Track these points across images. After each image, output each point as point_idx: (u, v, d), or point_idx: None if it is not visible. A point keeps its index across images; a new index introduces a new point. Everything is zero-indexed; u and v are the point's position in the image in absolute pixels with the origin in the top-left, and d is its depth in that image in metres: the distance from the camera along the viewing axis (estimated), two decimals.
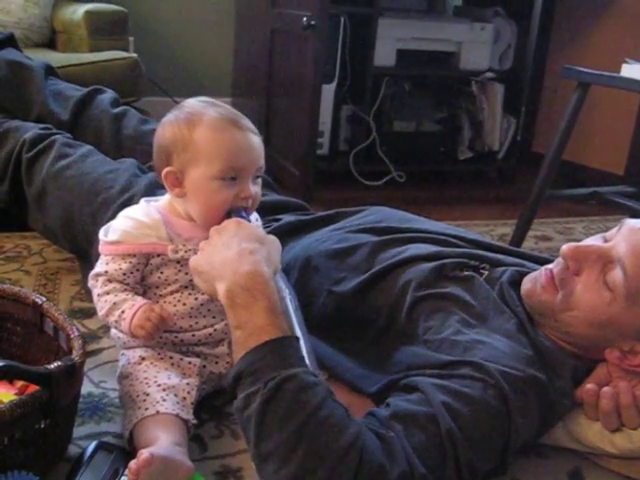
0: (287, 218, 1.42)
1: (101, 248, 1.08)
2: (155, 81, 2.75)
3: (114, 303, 1.05)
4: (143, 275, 1.08)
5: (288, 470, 0.80)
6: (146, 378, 1.03)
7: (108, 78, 2.09)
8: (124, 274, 1.06)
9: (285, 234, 1.35)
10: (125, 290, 1.06)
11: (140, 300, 1.06)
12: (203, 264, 0.97)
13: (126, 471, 0.85)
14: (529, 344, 1.02)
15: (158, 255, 1.07)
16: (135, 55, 2.28)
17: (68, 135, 1.61)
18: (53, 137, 1.56)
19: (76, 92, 1.79)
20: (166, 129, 1.06)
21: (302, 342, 0.91)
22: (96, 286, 1.07)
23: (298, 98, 2.44)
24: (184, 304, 1.09)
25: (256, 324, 0.87)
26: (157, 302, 1.09)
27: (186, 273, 1.06)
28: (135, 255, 1.06)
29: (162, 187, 1.39)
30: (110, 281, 1.06)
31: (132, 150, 1.65)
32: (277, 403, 0.82)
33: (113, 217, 1.32)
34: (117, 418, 1.08)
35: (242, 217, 1.03)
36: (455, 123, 2.87)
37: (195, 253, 1.03)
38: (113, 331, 1.14)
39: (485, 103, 2.88)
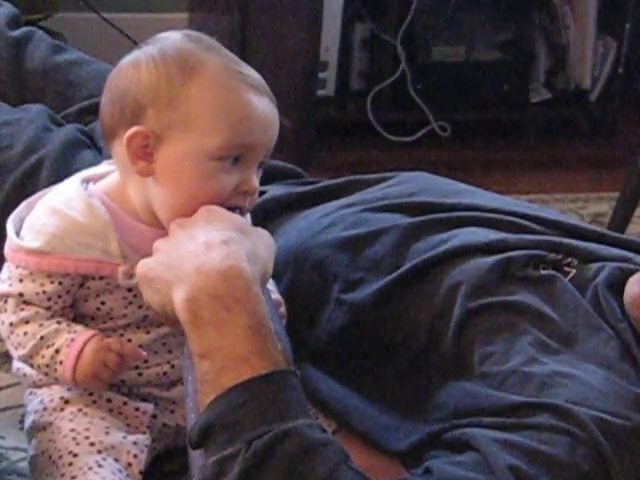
0: (273, 191, 1.42)
1: (12, 254, 1.06)
2: None
3: (41, 337, 1.03)
4: (75, 298, 1.07)
5: None
6: (73, 431, 1.03)
7: None
8: (49, 299, 1.05)
9: (270, 215, 1.35)
10: (52, 316, 1.05)
11: (82, 331, 1.04)
12: (156, 267, 0.97)
13: None
14: (638, 378, 1.02)
15: (101, 278, 1.06)
16: None
17: None
18: None
19: None
20: (142, 69, 1.03)
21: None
22: (4, 310, 1.05)
23: (289, 12, 2.44)
24: (129, 340, 1.09)
25: (233, 352, 0.87)
26: None
27: (140, 306, 1.05)
28: (69, 274, 1.05)
29: (87, 147, 1.40)
30: (27, 303, 1.04)
31: (40, 91, 1.65)
32: (267, 473, 0.82)
33: (13, 191, 1.34)
34: None
35: None
36: (525, 48, 2.87)
37: None
38: (17, 363, 1.13)
39: (570, 18, 2.87)
